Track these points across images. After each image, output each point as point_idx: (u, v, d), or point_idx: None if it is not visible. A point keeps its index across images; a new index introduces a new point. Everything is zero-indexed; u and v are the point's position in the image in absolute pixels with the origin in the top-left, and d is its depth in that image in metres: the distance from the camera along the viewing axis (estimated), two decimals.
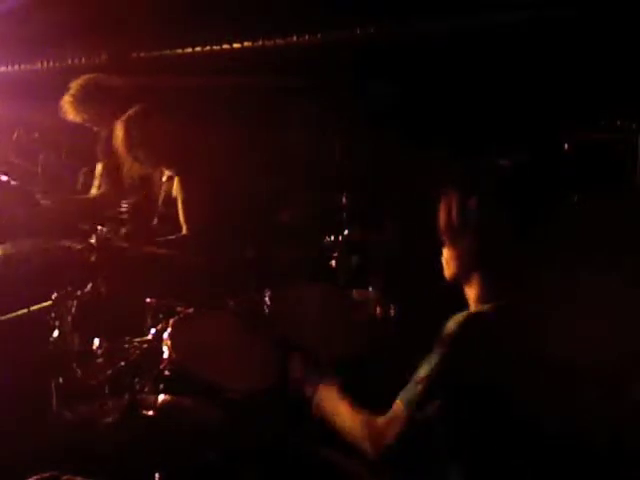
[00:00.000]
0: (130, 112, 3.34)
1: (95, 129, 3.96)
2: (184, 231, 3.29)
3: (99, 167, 4.05)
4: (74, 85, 3.86)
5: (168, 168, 3.41)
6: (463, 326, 1.60)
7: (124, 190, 3.80)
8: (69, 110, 3.86)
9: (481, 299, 1.70)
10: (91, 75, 3.93)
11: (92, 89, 3.85)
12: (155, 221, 3.45)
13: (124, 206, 3.72)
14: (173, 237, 3.28)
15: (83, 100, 3.85)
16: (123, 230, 3.10)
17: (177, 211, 3.33)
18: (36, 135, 4.43)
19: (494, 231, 1.68)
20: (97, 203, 3.97)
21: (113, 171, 3.85)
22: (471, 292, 1.73)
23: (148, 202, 3.57)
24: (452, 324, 1.62)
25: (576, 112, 3.21)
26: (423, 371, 1.62)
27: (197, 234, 3.24)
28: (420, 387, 1.60)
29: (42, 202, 3.78)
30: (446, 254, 1.77)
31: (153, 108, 3.37)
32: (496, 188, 1.70)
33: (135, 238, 3.15)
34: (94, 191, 4.06)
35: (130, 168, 3.55)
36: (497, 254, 1.68)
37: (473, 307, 1.73)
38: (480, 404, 1.55)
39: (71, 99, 3.84)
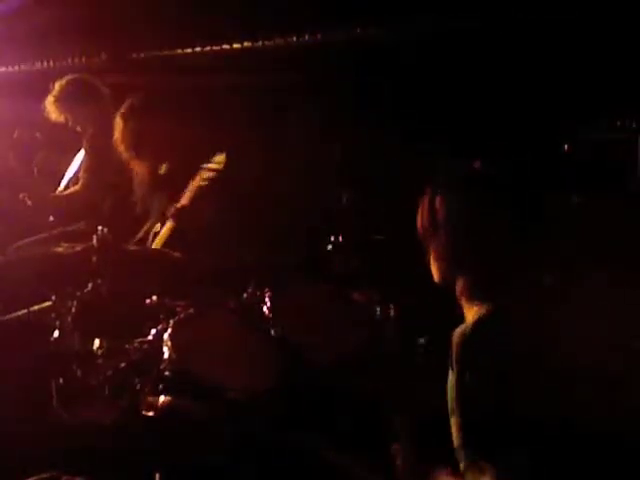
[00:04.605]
0: (127, 104, 3.34)
1: (78, 129, 3.97)
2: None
3: (80, 162, 4.07)
4: (57, 85, 3.88)
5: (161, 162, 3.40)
6: (472, 343, 1.58)
7: (106, 186, 3.82)
8: (52, 110, 3.89)
9: (474, 299, 1.67)
10: (75, 75, 3.94)
11: (74, 89, 3.87)
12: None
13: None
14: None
15: (65, 100, 3.87)
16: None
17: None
18: (38, 135, 4.44)
19: (483, 231, 1.65)
20: (76, 199, 3.99)
21: (97, 167, 3.87)
22: (462, 294, 1.71)
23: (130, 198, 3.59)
24: (460, 344, 1.59)
25: (576, 112, 3.21)
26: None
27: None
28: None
29: (27, 201, 3.82)
30: (432, 257, 1.74)
31: (148, 102, 3.36)
32: (485, 188, 1.68)
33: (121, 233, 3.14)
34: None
35: (121, 163, 3.55)
36: (486, 254, 1.65)
37: (466, 308, 1.71)
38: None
39: (53, 99, 3.87)
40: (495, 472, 1.53)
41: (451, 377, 1.64)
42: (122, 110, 3.38)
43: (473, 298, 1.68)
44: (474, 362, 1.57)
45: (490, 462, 1.54)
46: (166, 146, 3.34)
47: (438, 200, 1.68)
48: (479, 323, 1.62)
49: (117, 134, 3.37)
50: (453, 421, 1.63)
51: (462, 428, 1.58)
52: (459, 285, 1.70)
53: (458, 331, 1.64)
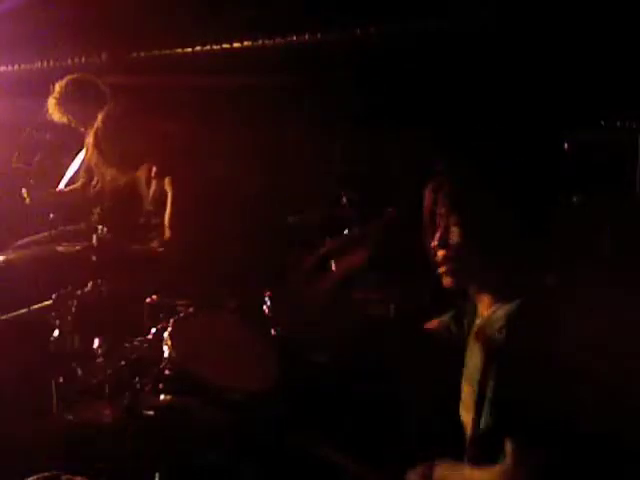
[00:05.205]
0: (103, 114, 3.30)
1: (82, 129, 3.97)
2: (166, 234, 3.18)
3: (81, 161, 4.10)
4: (57, 86, 3.88)
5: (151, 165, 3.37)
6: (510, 337, 1.57)
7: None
8: (54, 111, 3.88)
9: (501, 297, 1.67)
10: (74, 75, 3.94)
11: (75, 89, 3.87)
12: (142, 220, 3.44)
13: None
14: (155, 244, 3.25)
15: (67, 101, 3.87)
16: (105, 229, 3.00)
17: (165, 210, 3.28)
18: (47, 136, 4.44)
19: (494, 228, 1.65)
20: (76, 197, 4.01)
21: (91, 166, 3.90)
22: (487, 291, 1.71)
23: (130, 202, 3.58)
24: (498, 339, 1.58)
25: (576, 112, 3.21)
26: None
27: (183, 234, 3.17)
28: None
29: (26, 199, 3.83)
30: (441, 256, 1.71)
31: (128, 107, 3.32)
32: (494, 183, 1.68)
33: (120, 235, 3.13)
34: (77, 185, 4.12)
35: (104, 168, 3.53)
36: (500, 251, 1.66)
37: (489, 304, 1.71)
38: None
39: (55, 100, 3.87)
40: (521, 469, 1.53)
41: (475, 370, 1.63)
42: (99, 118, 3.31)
43: (500, 295, 1.67)
44: (515, 357, 1.55)
45: (518, 458, 1.54)
46: (143, 146, 3.29)
47: (455, 203, 1.68)
48: (516, 318, 1.60)
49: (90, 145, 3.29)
50: (469, 415, 1.63)
51: (493, 423, 1.58)
52: (485, 283, 1.70)
53: (491, 325, 1.63)
